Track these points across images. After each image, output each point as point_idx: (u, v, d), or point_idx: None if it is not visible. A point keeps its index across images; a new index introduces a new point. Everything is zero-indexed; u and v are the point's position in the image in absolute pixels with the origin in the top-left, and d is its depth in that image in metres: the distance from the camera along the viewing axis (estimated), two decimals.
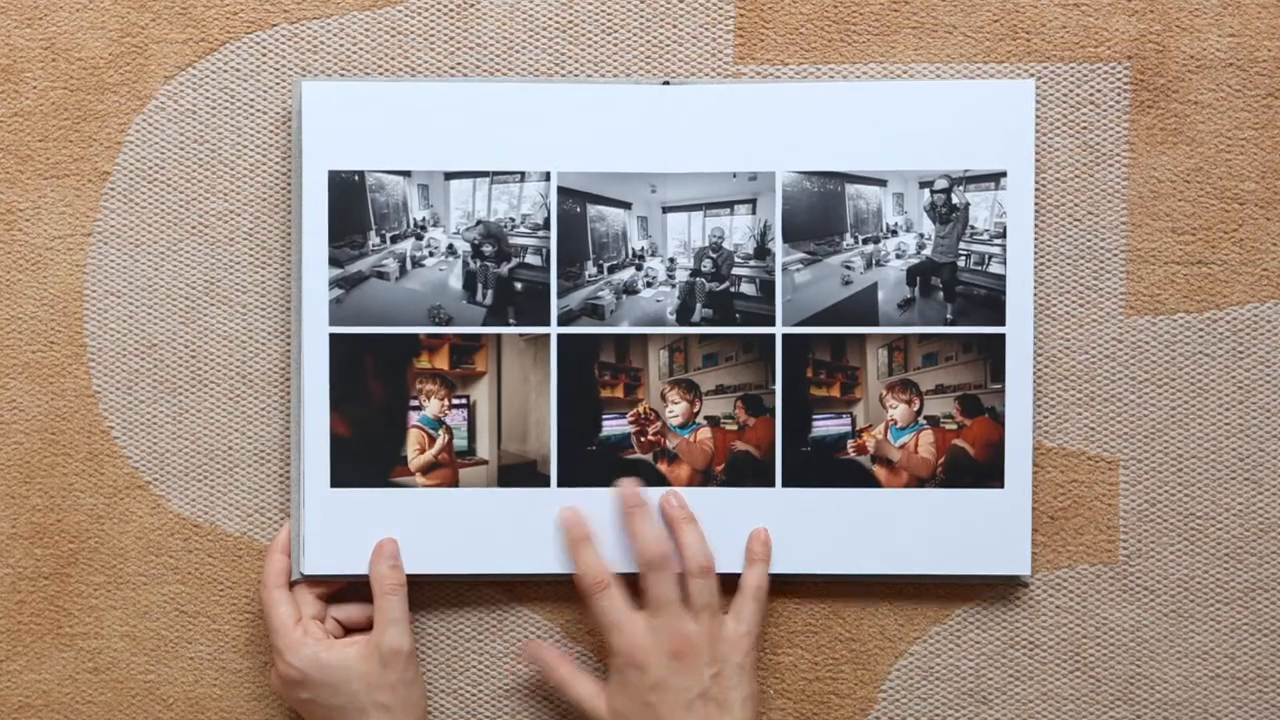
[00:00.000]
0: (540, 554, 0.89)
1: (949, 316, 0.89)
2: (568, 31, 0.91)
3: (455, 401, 0.89)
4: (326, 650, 0.85)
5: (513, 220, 0.89)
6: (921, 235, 0.89)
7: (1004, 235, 0.88)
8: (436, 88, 0.89)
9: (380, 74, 0.91)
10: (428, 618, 0.92)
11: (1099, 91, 0.90)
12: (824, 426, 0.89)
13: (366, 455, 0.89)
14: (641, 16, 0.91)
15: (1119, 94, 0.90)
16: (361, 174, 0.88)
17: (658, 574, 0.85)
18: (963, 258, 0.89)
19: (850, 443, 0.89)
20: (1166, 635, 0.91)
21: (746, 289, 0.89)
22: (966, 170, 0.88)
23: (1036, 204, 0.89)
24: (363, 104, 0.88)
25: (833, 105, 0.88)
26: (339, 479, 0.89)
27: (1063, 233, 0.90)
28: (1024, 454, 0.89)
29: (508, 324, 0.89)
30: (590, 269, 0.89)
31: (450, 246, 0.89)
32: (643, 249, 0.89)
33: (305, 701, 0.86)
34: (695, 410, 0.89)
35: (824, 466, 0.89)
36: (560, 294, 0.89)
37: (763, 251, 0.89)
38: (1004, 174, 0.88)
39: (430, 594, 0.91)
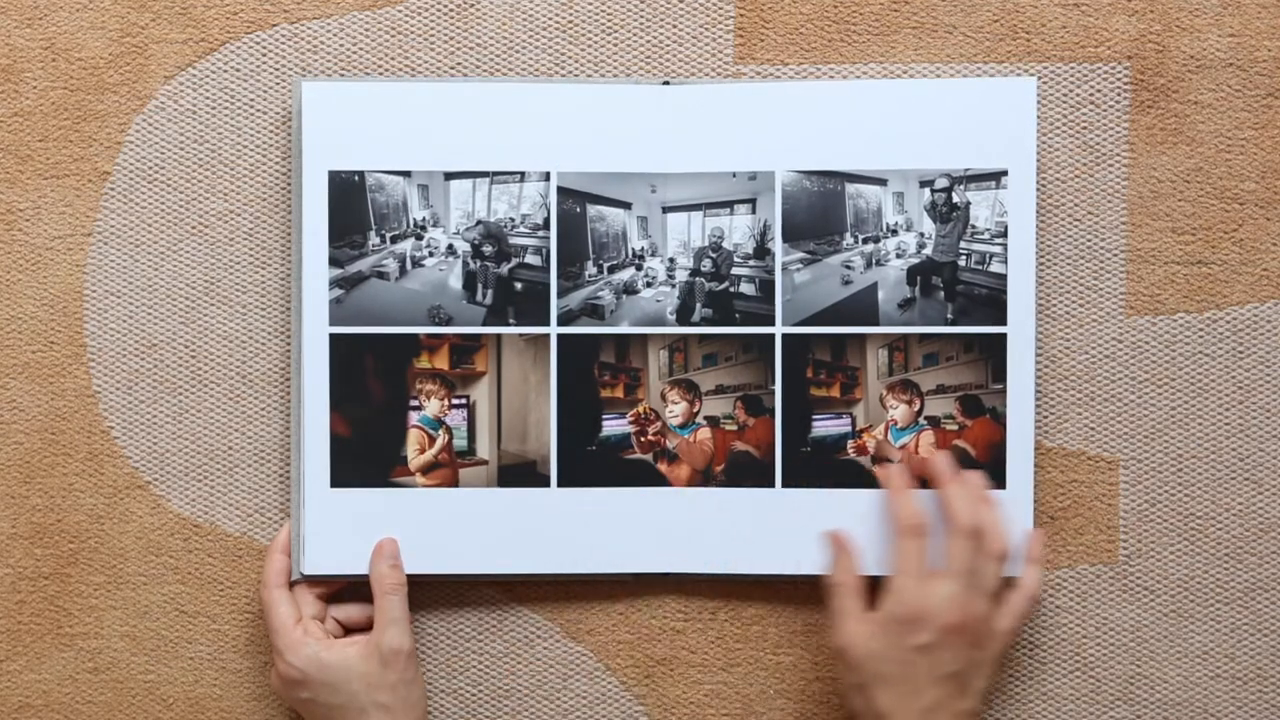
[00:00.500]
0: (540, 554, 0.89)
1: (949, 316, 0.89)
2: (568, 31, 0.91)
3: (455, 401, 0.89)
4: (327, 650, 0.85)
5: (512, 220, 0.89)
6: (922, 235, 0.89)
7: (1005, 235, 0.88)
8: (436, 88, 0.89)
9: (380, 74, 0.91)
10: (428, 618, 0.92)
11: (1099, 91, 0.90)
12: (824, 427, 0.89)
13: (366, 455, 0.89)
14: (641, 16, 0.91)
15: (1119, 94, 0.90)
16: (361, 174, 0.88)
17: (965, 544, 0.84)
18: (963, 257, 0.89)
19: (850, 443, 0.89)
20: (1166, 635, 0.91)
21: (746, 289, 0.89)
22: (967, 169, 0.88)
23: (1037, 204, 0.89)
24: (363, 104, 0.88)
25: (833, 104, 0.88)
26: (339, 479, 0.89)
27: (1063, 232, 0.90)
28: (1025, 454, 0.89)
29: (508, 324, 0.89)
30: (590, 269, 0.89)
31: (450, 246, 0.89)
32: (643, 249, 0.89)
33: (305, 701, 0.86)
34: (695, 410, 0.89)
35: (824, 467, 0.89)
36: (560, 294, 0.89)
37: (762, 251, 0.89)
38: (1005, 173, 0.88)
39: (430, 594, 0.91)
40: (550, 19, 0.91)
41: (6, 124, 0.91)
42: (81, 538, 0.92)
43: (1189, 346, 0.90)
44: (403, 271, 0.89)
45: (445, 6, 0.91)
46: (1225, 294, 0.90)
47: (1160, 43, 0.90)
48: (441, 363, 0.89)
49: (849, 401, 0.89)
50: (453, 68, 0.91)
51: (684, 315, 0.89)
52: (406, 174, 0.89)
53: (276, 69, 0.91)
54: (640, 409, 0.89)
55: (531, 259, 0.89)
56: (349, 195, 0.88)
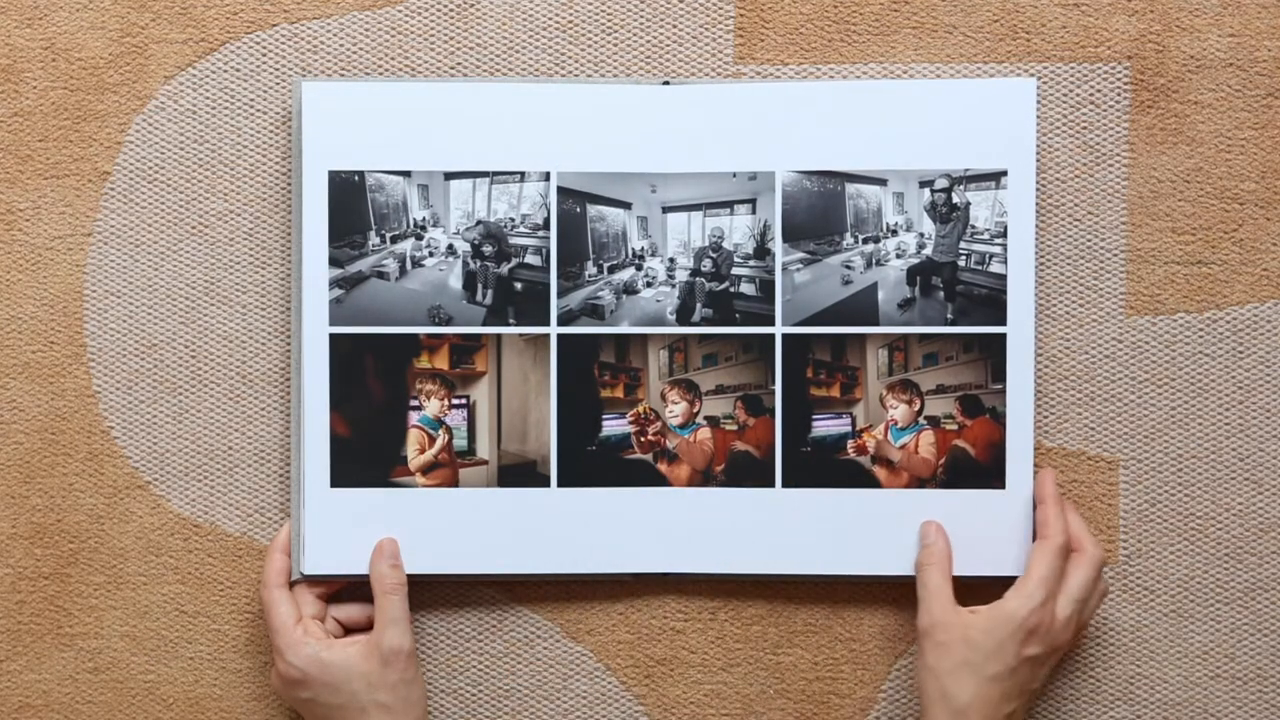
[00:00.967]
0: (540, 554, 0.89)
1: (949, 316, 0.89)
2: (568, 31, 0.91)
3: (455, 401, 0.89)
4: (327, 650, 0.85)
5: (512, 220, 0.89)
6: (922, 235, 0.89)
7: (1005, 235, 0.88)
8: (436, 88, 0.89)
9: (380, 74, 0.91)
10: (428, 618, 0.92)
11: (1099, 91, 0.90)
12: (824, 427, 0.89)
13: (366, 455, 0.89)
14: (641, 16, 0.91)
15: (1119, 94, 0.90)
16: (361, 174, 0.88)
17: (1090, 572, 0.85)
18: (963, 257, 0.89)
19: (850, 443, 0.89)
20: (1166, 635, 0.91)
21: (746, 289, 0.89)
22: (967, 169, 0.88)
23: (1036, 204, 0.89)
24: (363, 104, 0.88)
25: (833, 104, 0.88)
26: (339, 479, 0.89)
27: (1063, 233, 0.90)
28: (1025, 454, 0.89)
29: (508, 324, 0.89)
30: (590, 269, 0.89)
31: (450, 246, 0.89)
32: (643, 249, 0.89)
33: (305, 701, 0.86)
34: (695, 410, 0.89)
35: (824, 467, 0.89)
36: (560, 294, 0.89)
37: (762, 251, 0.89)
38: (1004, 173, 0.88)
39: (430, 594, 0.91)
40: (550, 19, 0.91)
41: (6, 124, 0.91)
42: (81, 538, 0.92)
43: (1189, 346, 0.90)
44: (403, 271, 0.89)
45: (445, 6, 0.91)
46: (1225, 294, 0.90)
47: (1160, 43, 0.90)
48: (441, 363, 0.89)
49: (849, 401, 0.89)
50: (453, 68, 0.91)
51: (684, 315, 0.89)
52: (406, 174, 0.89)
53: (276, 69, 0.91)
54: (640, 409, 0.89)
55: (531, 259, 0.89)
56: (349, 195, 0.88)
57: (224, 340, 0.91)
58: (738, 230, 0.89)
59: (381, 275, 0.89)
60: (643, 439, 0.89)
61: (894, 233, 0.89)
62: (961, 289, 0.89)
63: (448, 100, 0.88)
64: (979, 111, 0.88)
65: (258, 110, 0.91)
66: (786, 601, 0.91)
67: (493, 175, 0.89)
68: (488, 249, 0.89)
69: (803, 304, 0.89)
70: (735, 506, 0.89)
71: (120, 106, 0.91)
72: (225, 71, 0.91)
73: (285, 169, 0.91)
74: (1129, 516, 0.91)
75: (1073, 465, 0.91)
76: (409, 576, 0.88)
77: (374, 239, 0.89)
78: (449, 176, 0.89)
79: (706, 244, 0.89)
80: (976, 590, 0.91)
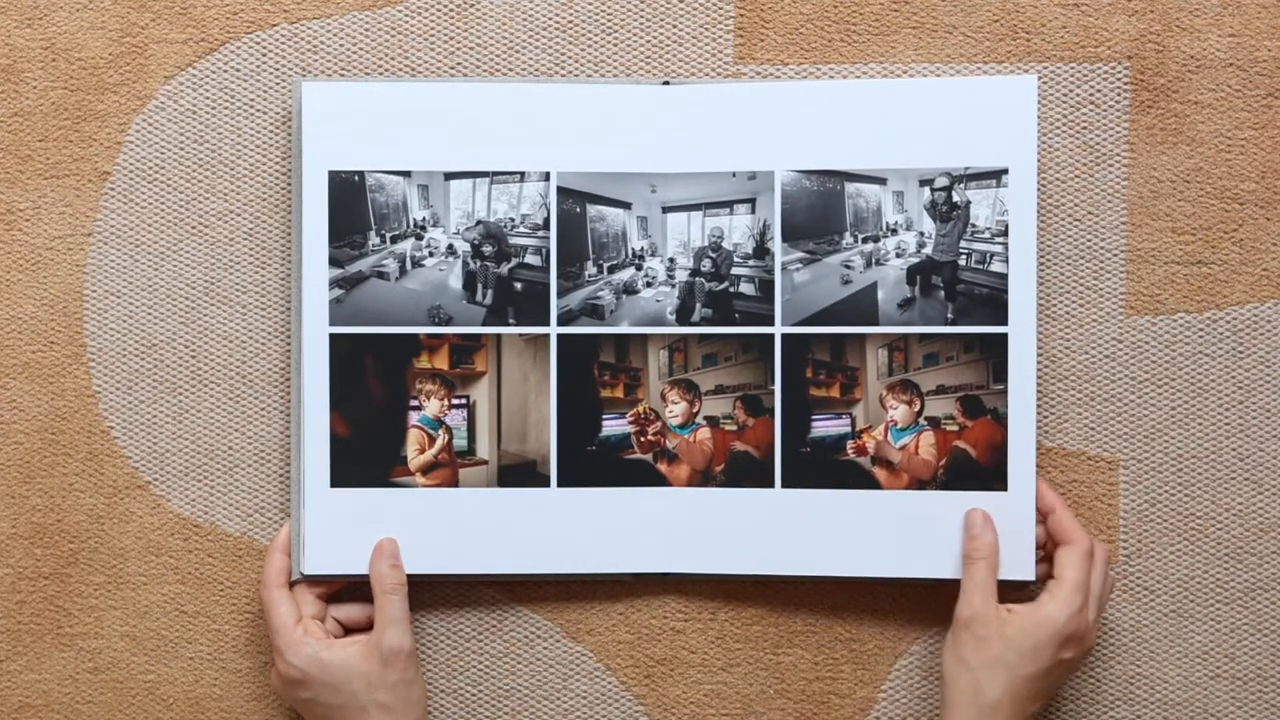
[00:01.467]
0: (540, 554, 0.89)
1: (950, 316, 0.89)
2: (568, 31, 0.91)
3: (455, 401, 0.89)
4: (327, 650, 0.85)
5: (512, 220, 0.89)
6: (922, 234, 0.89)
7: (1005, 234, 0.88)
8: (436, 88, 0.89)
9: (380, 74, 0.91)
10: (428, 618, 0.92)
11: (1099, 91, 0.90)
12: (823, 427, 0.89)
13: (366, 455, 0.89)
14: (641, 16, 0.91)
15: (1119, 94, 0.90)
16: (361, 175, 0.88)
17: (1105, 573, 0.86)
18: (963, 256, 0.89)
19: (850, 444, 0.89)
20: (1166, 635, 0.91)
21: (746, 289, 0.89)
22: (967, 167, 0.88)
23: (1037, 204, 0.89)
24: (363, 104, 0.88)
25: (832, 104, 0.88)
26: (339, 479, 0.89)
27: (1063, 232, 0.90)
28: (1027, 456, 0.88)
29: (507, 324, 0.89)
30: (590, 269, 0.89)
31: (450, 246, 0.89)
32: (642, 249, 0.89)
33: (305, 701, 0.86)
34: (695, 410, 0.89)
35: (823, 467, 0.89)
36: (560, 294, 0.89)
37: (762, 251, 0.89)
38: (1005, 171, 0.88)
39: (430, 594, 0.91)
40: (550, 19, 0.91)
41: (6, 124, 0.91)
42: (81, 538, 0.92)
43: (1189, 346, 0.90)
44: (403, 271, 0.89)
45: (445, 6, 0.91)
46: (1225, 294, 0.90)
47: (1160, 43, 0.90)
48: (441, 363, 0.89)
49: (849, 402, 0.89)
50: (453, 68, 0.91)
51: (684, 315, 0.89)
52: (406, 174, 0.89)
53: (276, 69, 0.91)
54: (640, 409, 0.89)
55: (531, 259, 0.89)
56: (349, 195, 0.88)
57: (224, 340, 0.91)
58: (737, 230, 0.89)
59: (381, 275, 0.89)
60: (643, 439, 0.89)
61: (894, 232, 0.89)
62: (962, 288, 0.89)
63: (448, 100, 0.88)
64: (979, 110, 0.88)
65: (258, 110, 0.91)
66: (786, 601, 0.91)
67: (492, 175, 0.89)
68: (488, 249, 0.89)
69: (802, 304, 0.89)
70: (735, 507, 0.89)
71: (120, 106, 0.91)
72: (225, 71, 0.91)
73: (285, 169, 0.91)
74: (1129, 516, 0.91)
75: (1073, 465, 0.91)
76: (409, 576, 0.88)
77: (374, 239, 0.89)
78: (449, 177, 0.89)
79: (706, 244, 0.89)
80: None
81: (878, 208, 0.89)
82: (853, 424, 0.89)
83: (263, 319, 0.91)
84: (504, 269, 0.89)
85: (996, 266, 0.88)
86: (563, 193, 0.89)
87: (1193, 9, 0.90)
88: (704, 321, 0.89)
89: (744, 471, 0.89)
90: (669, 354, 0.89)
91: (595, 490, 0.89)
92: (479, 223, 0.89)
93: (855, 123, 0.88)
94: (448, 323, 0.89)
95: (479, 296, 0.89)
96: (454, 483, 0.89)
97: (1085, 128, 0.90)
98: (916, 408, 0.89)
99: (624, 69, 0.91)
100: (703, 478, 0.89)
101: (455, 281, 0.89)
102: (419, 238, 0.89)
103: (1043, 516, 0.87)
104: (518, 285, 0.89)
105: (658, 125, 0.88)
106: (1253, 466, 0.90)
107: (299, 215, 0.89)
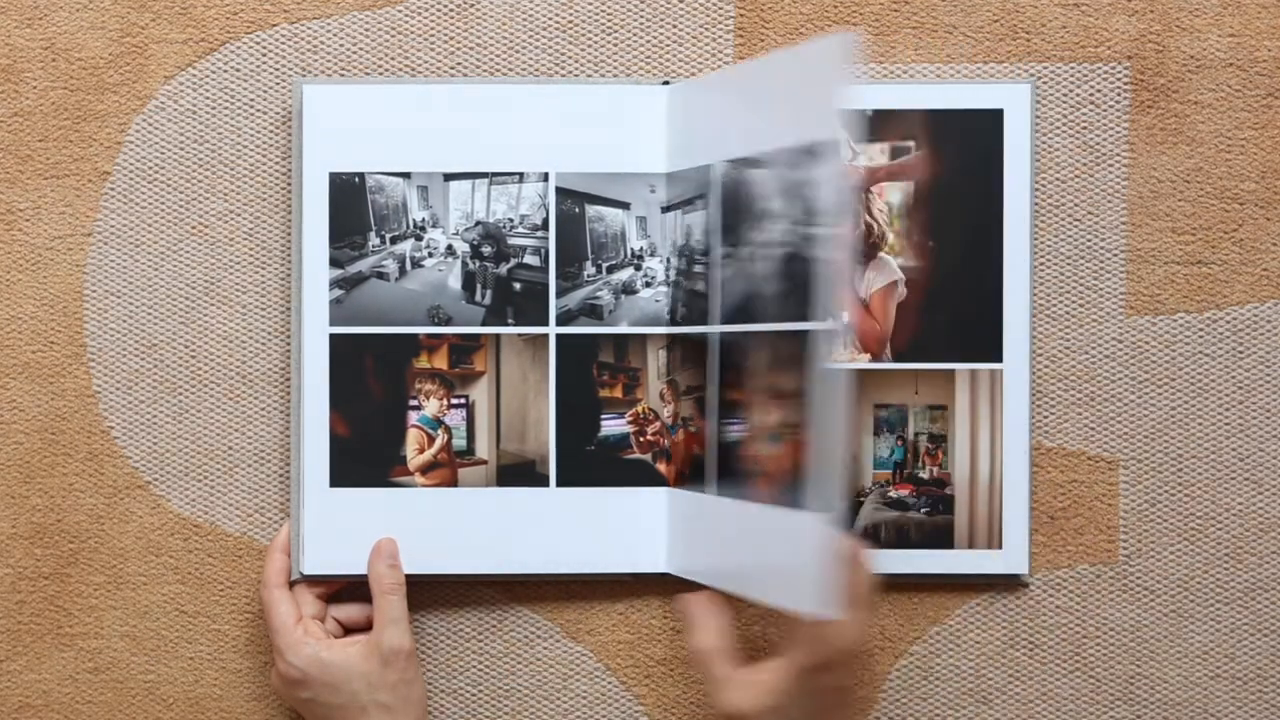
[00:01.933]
0: (540, 554, 0.89)
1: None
2: (568, 31, 0.91)
3: (454, 401, 0.89)
4: (327, 650, 0.85)
5: (511, 221, 0.89)
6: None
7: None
8: (436, 88, 0.89)
9: (380, 74, 0.91)
10: (428, 618, 0.92)
11: (1099, 91, 0.90)
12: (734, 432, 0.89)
13: (366, 455, 0.89)
14: (641, 16, 0.91)
15: (1119, 94, 0.90)
16: (361, 176, 0.88)
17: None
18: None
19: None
20: (1166, 635, 0.91)
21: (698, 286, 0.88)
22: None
23: (1036, 204, 0.89)
24: (363, 106, 0.88)
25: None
26: (338, 479, 0.89)
27: (1062, 233, 0.90)
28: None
29: (506, 324, 0.89)
30: (589, 269, 0.89)
31: (449, 247, 0.89)
32: (641, 249, 0.89)
33: (305, 701, 0.86)
34: (675, 411, 0.89)
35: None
36: (559, 294, 0.89)
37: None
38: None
39: (430, 594, 0.91)
40: (550, 19, 0.91)
41: (6, 124, 0.91)
42: (81, 538, 0.92)
43: (1189, 346, 0.90)
44: (402, 272, 0.89)
45: (445, 6, 0.91)
46: (1225, 294, 0.90)
47: (1160, 43, 0.90)
48: (441, 363, 0.89)
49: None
50: (453, 68, 0.91)
51: (674, 315, 0.89)
52: (406, 175, 0.89)
53: (276, 69, 0.91)
54: (639, 409, 0.89)
55: (530, 259, 0.89)
56: (349, 197, 0.89)
57: (224, 340, 0.91)
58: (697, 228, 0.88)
59: (381, 276, 0.89)
60: (642, 439, 0.89)
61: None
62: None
63: (448, 100, 0.88)
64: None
65: (258, 110, 0.91)
66: None
67: (492, 176, 0.89)
68: (487, 249, 0.89)
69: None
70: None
71: (120, 106, 0.91)
72: (225, 71, 0.91)
73: (285, 169, 0.91)
74: (1129, 516, 0.91)
75: (1072, 465, 0.91)
76: (409, 576, 0.88)
77: (374, 240, 0.89)
78: (448, 178, 0.89)
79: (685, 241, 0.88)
80: (976, 590, 0.91)
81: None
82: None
83: (263, 319, 0.91)
84: (503, 269, 0.89)
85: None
86: (561, 193, 0.89)
87: (1193, 9, 0.90)
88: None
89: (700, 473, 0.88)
90: (667, 354, 0.89)
91: (594, 490, 0.89)
92: (478, 223, 0.89)
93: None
94: (447, 323, 0.89)
95: (478, 297, 0.89)
96: (453, 482, 0.89)
97: (1085, 128, 0.90)
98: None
99: (624, 69, 0.91)
100: (689, 478, 0.89)
101: (454, 282, 0.89)
102: (418, 238, 0.89)
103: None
104: (517, 285, 0.89)
105: (658, 125, 0.88)
106: (1253, 466, 0.90)
107: (299, 216, 0.89)
